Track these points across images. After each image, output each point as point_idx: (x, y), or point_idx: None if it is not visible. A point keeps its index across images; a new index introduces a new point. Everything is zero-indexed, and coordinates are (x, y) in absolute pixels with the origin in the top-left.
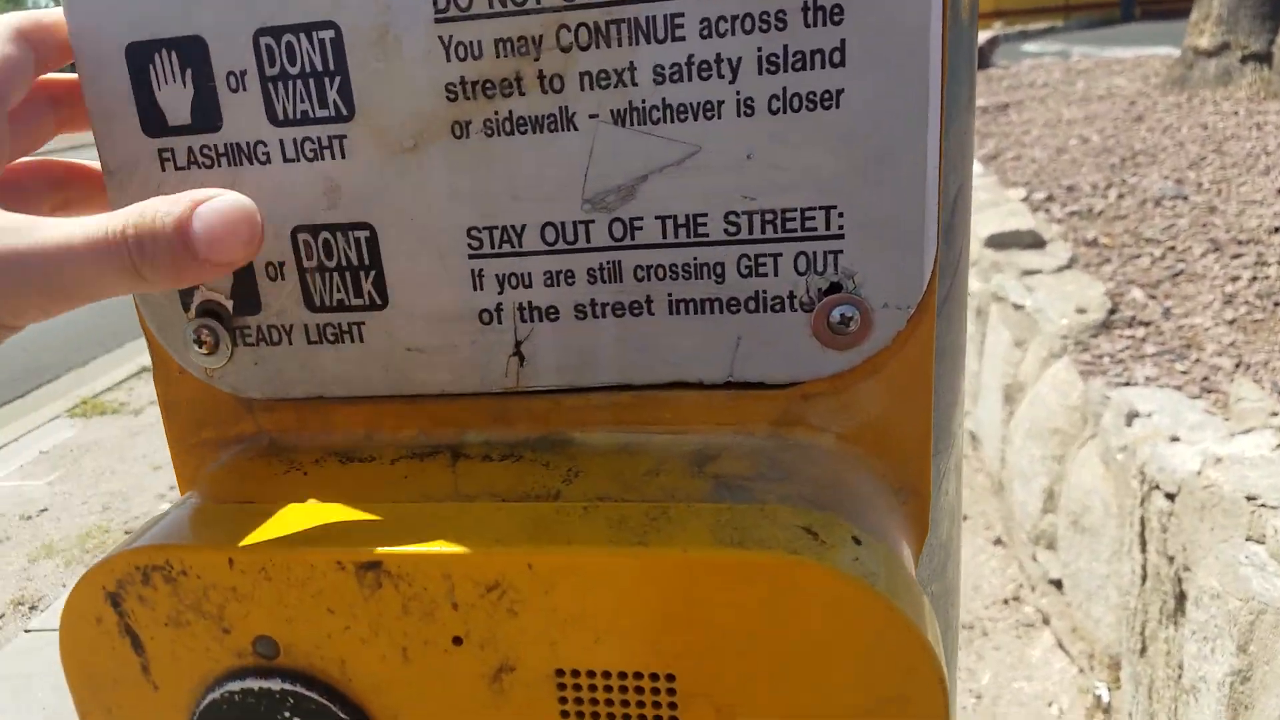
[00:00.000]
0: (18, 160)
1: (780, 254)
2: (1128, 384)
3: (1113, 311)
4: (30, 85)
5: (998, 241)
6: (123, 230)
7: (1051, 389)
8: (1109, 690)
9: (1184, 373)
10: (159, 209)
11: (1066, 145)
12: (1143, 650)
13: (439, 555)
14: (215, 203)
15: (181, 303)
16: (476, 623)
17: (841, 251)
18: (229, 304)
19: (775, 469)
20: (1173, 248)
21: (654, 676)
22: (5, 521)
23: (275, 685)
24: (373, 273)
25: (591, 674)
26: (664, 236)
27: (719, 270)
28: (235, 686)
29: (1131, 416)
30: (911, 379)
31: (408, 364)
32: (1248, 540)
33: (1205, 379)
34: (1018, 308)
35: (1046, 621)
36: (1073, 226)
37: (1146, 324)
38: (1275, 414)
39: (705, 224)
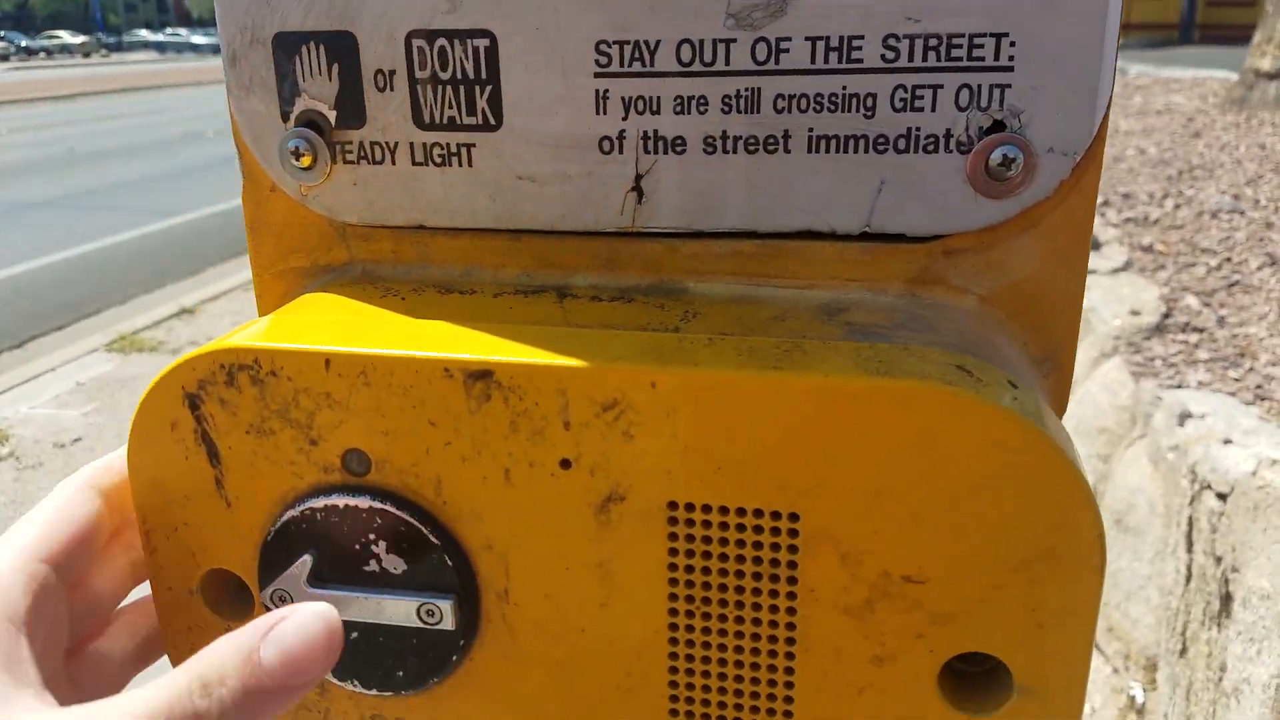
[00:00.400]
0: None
1: (941, 85)
2: (1180, 386)
3: (1167, 316)
4: (102, 545)
5: None
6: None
7: (1102, 388)
8: (1144, 691)
9: (1237, 379)
10: (224, 653)
11: (1123, 155)
12: (1183, 651)
13: (556, 368)
14: (291, 621)
15: (280, 110)
16: (589, 445)
17: (1010, 85)
18: (332, 115)
19: (914, 322)
20: (1229, 259)
21: (775, 515)
22: (39, 448)
23: (363, 503)
24: (489, 88)
25: (708, 508)
26: (812, 61)
27: (870, 103)
28: (318, 503)
29: (1184, 417)
30: (1070, 236)
31: (517, 193)
32: None
33: (1259, 387)
34: None
35: None
36: (1128, 233)
37: (1200, 330)
38: None
39: (860, 48)
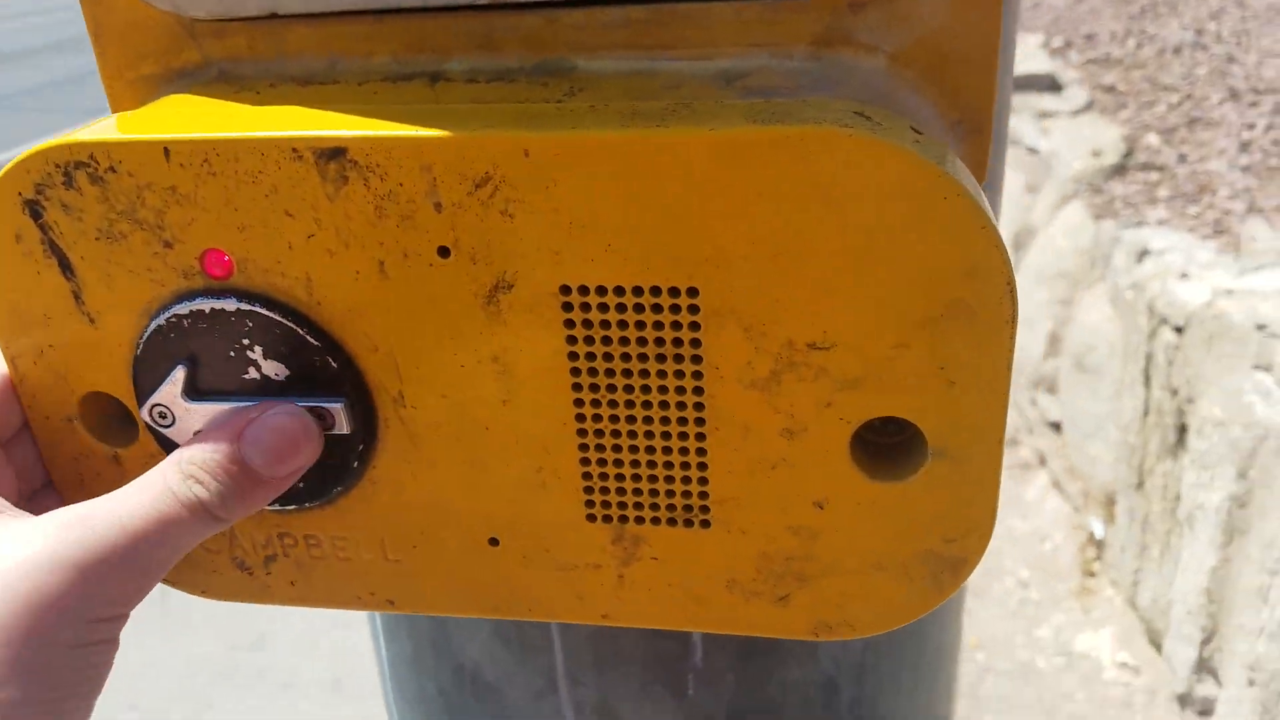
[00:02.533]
0: None
1: None
2: (1140, 225)
3: (1128, 155)
4: None
5: (1015, 84)
6: (181, 489)
7: (1062, 232)
8: (1104, 525)
9: (1196, 215)
10: (206, 454)
11: None
12: (1139, 484)
13: (415, 139)
14: (264, 420)
15: None
16: (466, 228)
17: None
18: None
19: (819, 84)
20: (1190, 95)
21: (674, 291)
22: None
23: (230, 305)
24: None
25: (602, 290)
26: None
27: None
28: (183, 310)
29: (1143, 255)
30: None
31: None
32: (1255, 369)
33: (1217, 221)
34: (1032, 151)
35: (1043, 462)
36: (1090, 74)
37: (1161, 168)
38: None
39: None
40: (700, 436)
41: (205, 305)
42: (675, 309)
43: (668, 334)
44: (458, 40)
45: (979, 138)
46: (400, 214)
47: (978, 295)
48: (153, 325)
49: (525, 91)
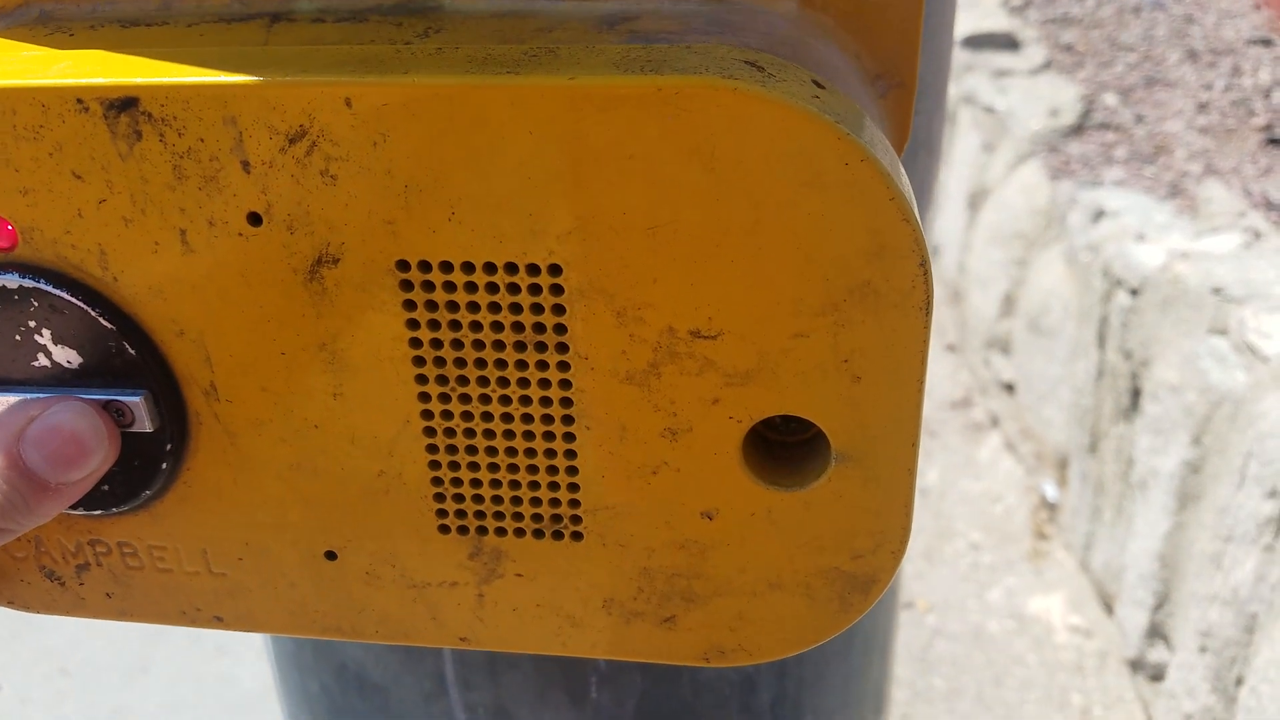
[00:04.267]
0: None
1: None
2: (1097, 186)
3: (1085, 115)
4: None
5: (973, 43)
6: None
7: (1018, 192)
8: (1056, 488)
9: (1153, 176)
10: None
11: None
12: (1093, 447)
13: (217, 87)
14: (43, 420)
15: None
16: (280, 192)
17: None
18: None
19: (714, 27)
20: (1149, 55)
21: (533, 269)
22: None
23: (11, 282)
24: None
25: (448, 266)
26: None
27: None
28: None
29: (1099, 216)
30: None
31: None
32: (1210, 333)
33: (1174, 183)
34: (989, 111)
35: (996, 424)
36: (1049, 33)
37: (1118, 129)
38: (1243, 215)
39: None
40: (569, 437)
41: None
42: (535, 289)
43: (527, 318)
44: None
45: (902, 93)
46: (203, 175)
47: (886, 278)
48: None
49: (373, 32)
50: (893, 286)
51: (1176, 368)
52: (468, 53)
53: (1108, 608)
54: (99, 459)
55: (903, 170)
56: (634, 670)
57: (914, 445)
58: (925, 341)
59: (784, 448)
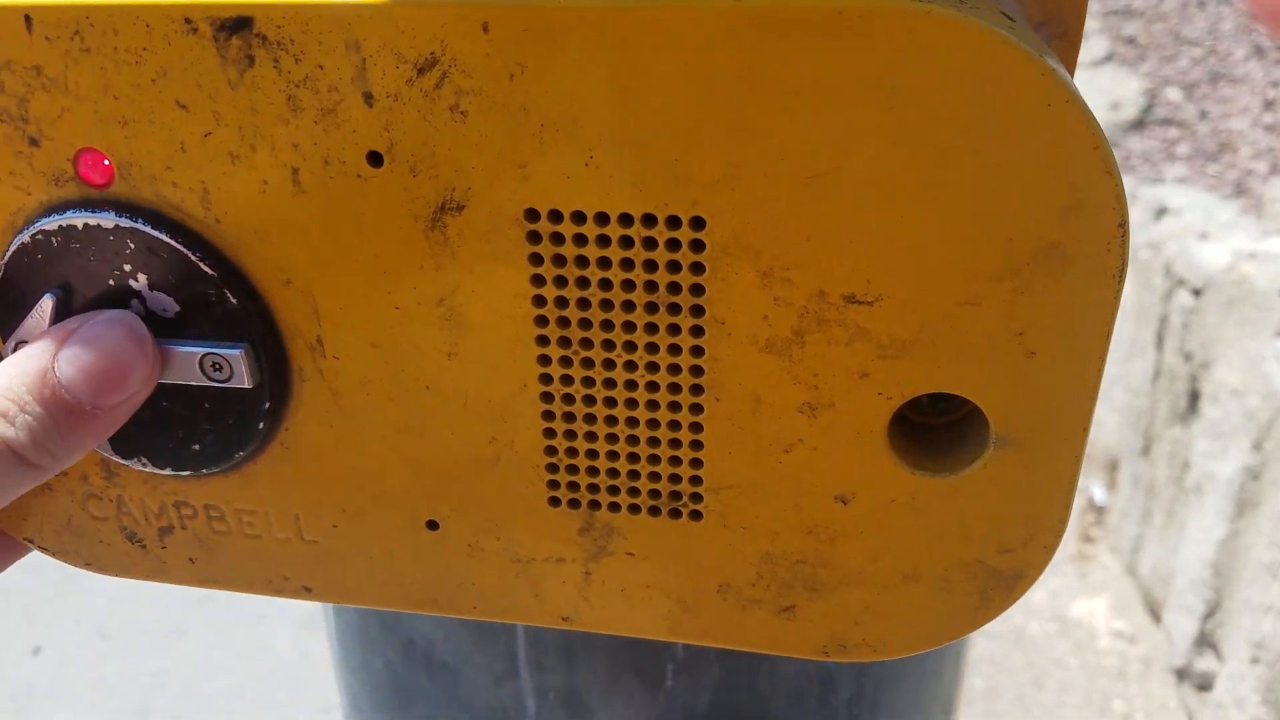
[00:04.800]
0: None
1: None
2: (1158, 182)
3: (1147, 110)
4: None
5: None
6: None
7: None
8: (1105, 490)
9: (1216, 174)
10: (10, 378)
11: None
12: (1146, 450)
13: (340, 6)
14: (82, 332)
15: None
16: (405, 129)
17: None
18: None
19: None
20: (1213, 50)
21: (673, 222)
22: None
23: (108, 221)
24: None
25: (580, 217)
26: None
27: None
28: (50, 225)
29: (1160, 213)
30: None
31: None
32: (1276, 336)
33: (1239, 181)
34: None
35: None
36: (1110, 25)
37: (1181, 124)
38: None
39: None
40: (696, 409)
41: (78, 220)
42: (674, 245)
43: (662, 277)
44: None
45: (1066, 43)
46: (320, 107)
47: (1079, 239)
48: (15, 243)
49: None
50: (1085, 250)
51: (1239, 370)
52: None
53: (1154, 614)
54: (140, 380)
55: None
56: (712, 660)
57: (1085, 430)
58: (1114, 314)
59: (926, 429)
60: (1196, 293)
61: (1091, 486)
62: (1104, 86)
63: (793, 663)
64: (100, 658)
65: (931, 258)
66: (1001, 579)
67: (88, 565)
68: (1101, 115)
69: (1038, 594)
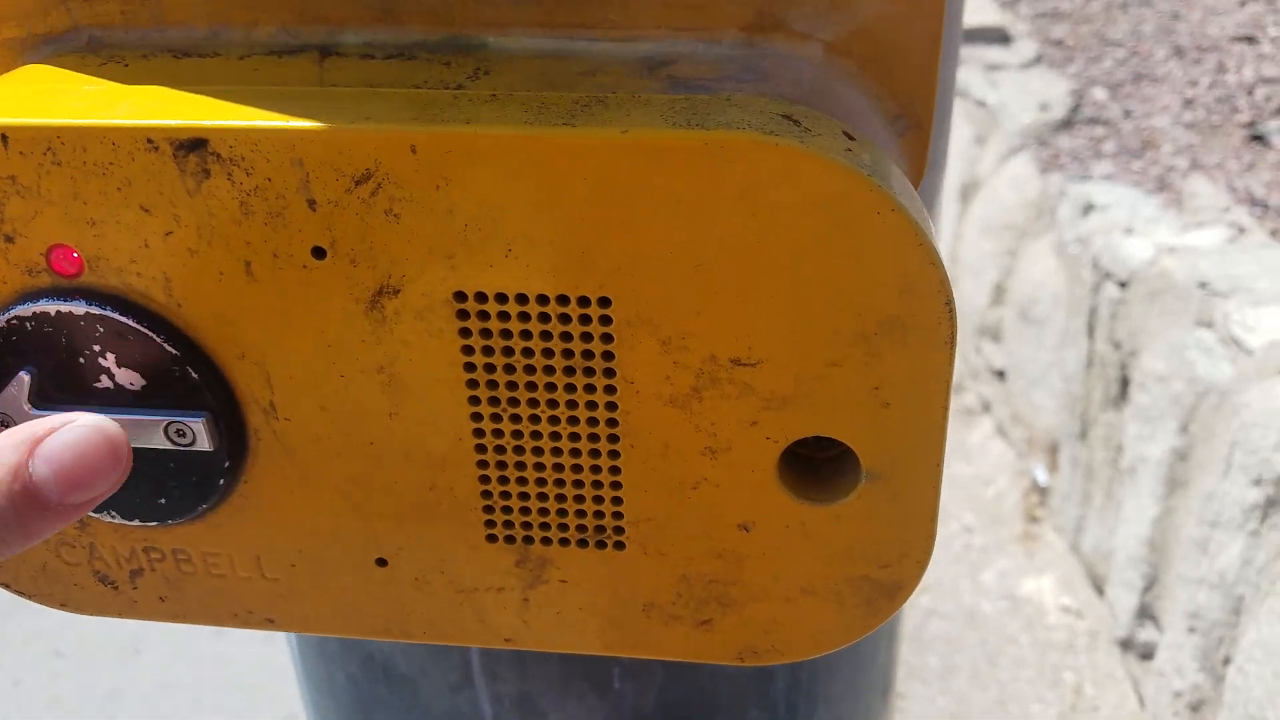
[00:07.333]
0: None
1: None
2: (1085, 179)
3: (1075, 110)
4: None
5: (965, 37)
6: None
7: (1009, 184)
8: (1047, 473)
9: (1140, 171)
10: None
11: None
12: (1083, 434)
13: (284, 132)
14: (63, 434)
15: None
16: (345, 229)
17: None
18: None
19: (747, 73)
20: (1136, 51)
21: (583, 301)
22: None
23: (78, 309)
24: None
25: (503, 298)
26: None
27: None
28: (25, 311)
29: (1088, 209)
30: None
31: None
32: (1196, 325)
33: (1161, 177)
34: (980, 104)
35: (987, 409)
36: (1039, 27)
37: (1107, 123)
38: (1227, 210)
39: None
40: (614, 454)
41: (50, 307)
42: (585, 320)
43: (577, 345)
44: (354, 10)
45: (919, 133)
46: (269, 211)
47: (914, 314)
48: None
49: (425, 71)
50: (919, 322)
51: (1164, 358)
52: (522, 100)
53: (1098, 589)
54: (110, 483)
55: (926, 213)
56: (655, 662)
57: (938, 465)
58: (949, 372)
59: (815, 463)
60: (1123, 285)
61: (1034, 469)
62: (1034, 88)
63: None
64: (54, 676)
65: (799, 328)
66: (884, 590)
67: (63, 606)
68: (1031, 115)
69: (988, 574)
